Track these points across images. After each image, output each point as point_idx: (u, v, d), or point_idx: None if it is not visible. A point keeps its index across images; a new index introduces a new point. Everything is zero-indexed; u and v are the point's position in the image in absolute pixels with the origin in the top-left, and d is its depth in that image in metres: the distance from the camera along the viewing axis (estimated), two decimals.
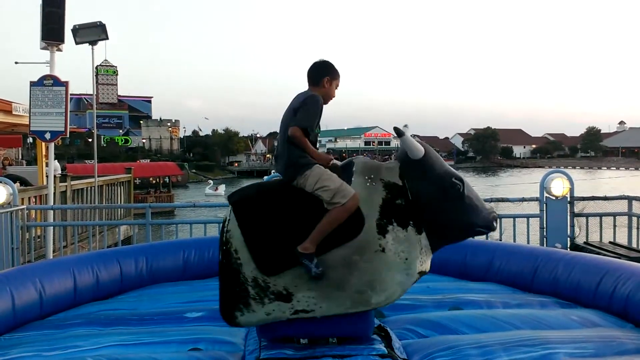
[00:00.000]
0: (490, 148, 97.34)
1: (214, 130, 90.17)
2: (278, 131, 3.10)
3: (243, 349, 2.94)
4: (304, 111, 2.89)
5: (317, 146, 3.01)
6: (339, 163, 3.08)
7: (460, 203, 2.91)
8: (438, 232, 2.94)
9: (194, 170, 65.60)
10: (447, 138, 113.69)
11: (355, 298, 2.79)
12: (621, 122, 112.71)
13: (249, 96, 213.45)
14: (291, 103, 3.03)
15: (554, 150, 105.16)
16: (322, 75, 3.06)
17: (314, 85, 3.08)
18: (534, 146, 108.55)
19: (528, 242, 6.04)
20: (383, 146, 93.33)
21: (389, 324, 3.26)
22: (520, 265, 4.40)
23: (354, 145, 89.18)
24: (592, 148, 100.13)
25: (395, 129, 2.85)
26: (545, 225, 6.07)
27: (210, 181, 47.06)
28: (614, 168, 78.24)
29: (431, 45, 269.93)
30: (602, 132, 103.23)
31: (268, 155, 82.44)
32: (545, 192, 6.09)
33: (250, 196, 2.97)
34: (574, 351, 2.82)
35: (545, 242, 6.04)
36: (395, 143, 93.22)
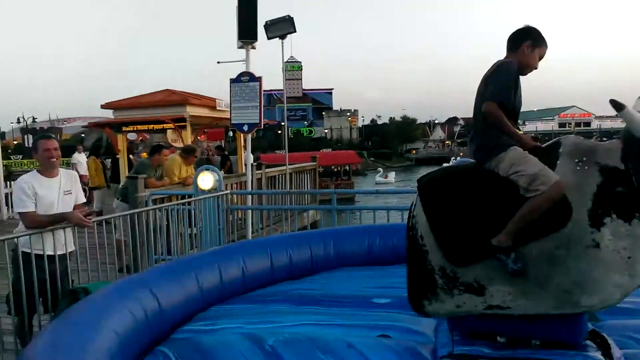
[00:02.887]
0: None
1: (391, 118, 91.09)
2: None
3: (434, 340, 2.86)
4: (495, 82, 2.59)
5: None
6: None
7: None
8: None
9: (372, 158, 67.13)
10: None
11: (560, 297, 2.46)
12: None
13: (426, 82, 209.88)
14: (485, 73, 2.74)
15: None
16: (522, 40, 2.72)
17: (511, 52, 2.75)
18: None
19: None
20: (582, 128, 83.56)
21: (605, 330, 2.81)
22: None
23: (545, 128, 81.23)
24: None
25: (613, 102, 2.41)
26: None
27: (380, 169, 47.63)
28: None
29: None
30: None
31: (447, 142, 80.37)
32: None
33: (438, 180, 2.77)
34: None
35: None
36: (596, 124, 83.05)
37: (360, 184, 41.06)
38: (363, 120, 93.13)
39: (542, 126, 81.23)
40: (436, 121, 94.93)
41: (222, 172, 8.01)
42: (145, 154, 9.64)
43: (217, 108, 10.86)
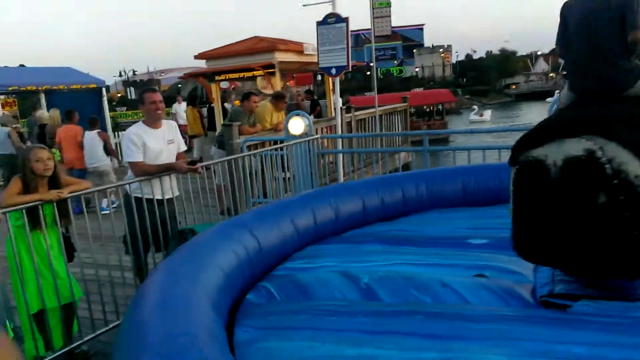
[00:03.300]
0: None
1: (488, 51, 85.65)
2: (570, 34, 2.65)
3: (533, 280, 2.77)
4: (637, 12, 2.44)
5: None
6: None
7: None
8: None
9: (467, 96, 64.12)
10: None
11: None
12: None
13: (527, 8, 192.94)
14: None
15: None
16: None
17: None
18: None
19: None
20: None
21: None
22: None
23: None
24: None
25: None
26: None
27: (475, 107, 45.28)
28: None
29: None
30: None
31: (551, 74, 74.51)
32: None
33: (607, 116, 2.43)
34: None
35: None
36: None
37: (454, 124, 39.64)
38: (457, 56, 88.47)
39: None
40: (539, 52, 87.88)
41: (312, 116, 8.08)
42: (237, 101, 9.94)
43: (305, 52, 10.83)
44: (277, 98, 7.87)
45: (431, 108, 35.61)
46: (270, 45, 10.67)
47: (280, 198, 5.91)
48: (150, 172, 3.97)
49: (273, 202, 4.52)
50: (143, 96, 4.06)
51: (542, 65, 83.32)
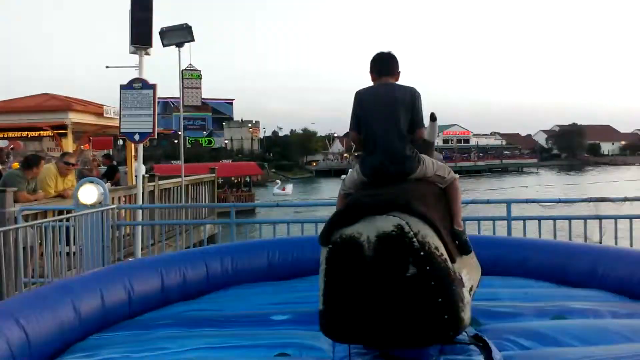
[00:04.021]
0: (577, 145, 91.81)
1: (292, 130, 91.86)
2: (364, 122, 2.94)
3: (332, 355, 2.78)
4: (419, 111, 2.96)
5: None
6: None
7: None
8: None
9: (273, 170, 67.12)
10: (529, 135, 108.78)
11: (475, 260, 2.96)
12: None
13: (327, 96, 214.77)
14: (390, 95, 2.92)
15: None
16: (398, 67, 3.06)
17: (389, 76, 3.01)
18: (623, 142, 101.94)
19: (631, 246, 5.46)
20: (462, 144, 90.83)
21: (486, 334, 2.97)
22: (628, 271, 3.95)
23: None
24: None
25: (432, 114, 3.09)
26: None
27: (278, 181, 47.74)
28: None
29: (511, 39, 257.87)
30: None
31: (345, 155, 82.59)
32: None
33: (405, 196, 2.63)
34: None
35: None
36: (474, 141, 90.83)
37: (260, 195, 40.81)
38: (264, 131, 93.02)
39: None
40: (335, 134, 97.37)
41: (110, 183, 7.45)
42: (16, 164, 8.72)
43: (105, 115, 10.16)
44: (62, 157, 7.07)
45: (239, 179, 36.25)
46: (63, 104, 9.78)
47: (61, 277, 5.14)
48: None
49: (51, 283, 3.89)
50: None
51: (338, 146, 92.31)
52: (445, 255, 2.48)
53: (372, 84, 3.08)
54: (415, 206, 2.51)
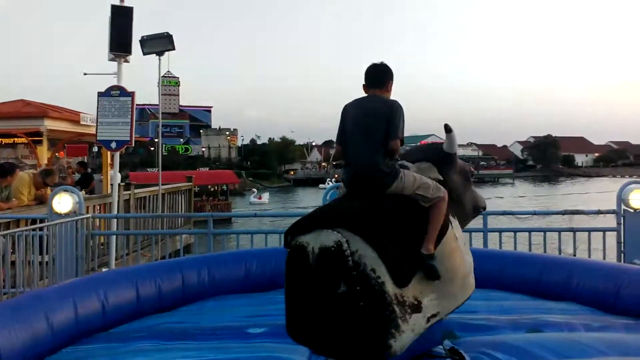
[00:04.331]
0: (551, 156, 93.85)
1: (270, 138, 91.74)
2: (346, 133, 2.93)
3: None
4: (399, 122, 2.83)
5: None
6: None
7: (471, 189, 3.33)
8: (461, 214, 3.23)
9: (250, 178, 66.81)
10: (505, 146, 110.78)
11: (463, 285, 2.90)
12: None
13: (305, 105, 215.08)
14: (369, 106, 2.90)
15: (618, 159, 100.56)
16: (389, 79, 2.99)
17: (378, 88, 2.95)
18: (596, 154, 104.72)
19: (604, 258, 5.58)
20: None
21: (462, 346, 3.01)
22: (602, 284, 4.04)
23: None
24: None
25: (446, 125, 2.98)
26: (622, 240, 5.59)
27: (254, 190, 47.57)
28: None
29: (488, 51, 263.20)
30: None
31: (323, 164, 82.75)
32: (622, 205, 5.61)
33: (361, 213, 2.69)
34: None
35: (622, 258, 5.56)
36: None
37: (238, 204, 40.54)
38: (242, 139, 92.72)
39: None
40: (313, 143, 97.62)
41: (84, 192, 7.32)
42: None
43: (81, 122, 10.00)
44: (44, 175, 6.91)
45: (216, 188, 35.94)
46: (39, 110, 9.61)
47: (33, 287, 5.01)
48: None
49: (23, 294, 3.79)
50: None
51: (316, 155, 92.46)
52: (384, 279, 2.47)
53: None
54: (362, 224, 2.56)
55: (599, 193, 45.65)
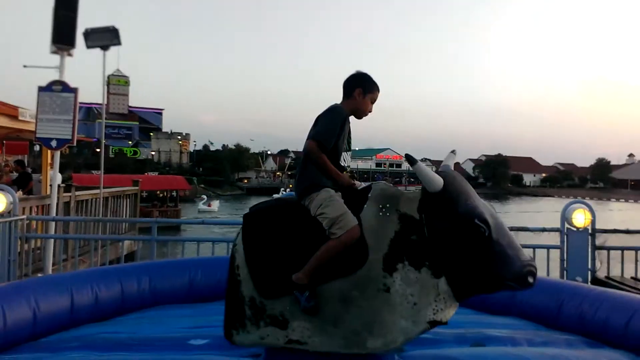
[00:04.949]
0: (501, 175, 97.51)
1: (224, 145, 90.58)
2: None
3: None
4: (322, 123, 2.74)
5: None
6: (362, 184, 2.85)
7: (485, 249, 2.43)
8: (462, 279, 2.50)
9: (202, 185, 65.65)
10: (458, 163, 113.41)
11: (349, 338, 2.55)
12: (630, 155, 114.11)
13: (261, 113, 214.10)
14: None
15: (564, 180, 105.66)
16: (354, 86, 2.88)
17: (346, 97, 2.90)
18: (544, 175, 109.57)
19: (547, 275, 5.76)
20: (394, 168, 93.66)
21: None
22: (544, 300, 4.14)
23: (365, 167, 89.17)
24: (602, 179, 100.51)
25: (407, 156, 2.60)
26: (565, 257, 5.79)
27: (204, 197, 46.81)
28: (623, 200, 78.00)
29: (443, 67, 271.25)
30: (611, 163, 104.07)
31: (278, 173, 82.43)
32: (566, 223, 5.83)
33: (262, 212, 2.84)
34: None
35: (565, 275, 5.75)
36: (406, 166, 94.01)
37: (187, 211, 39.66)
38: (195, 145, 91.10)
39: (362, 164, 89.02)
40: (269, 152, 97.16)
41: (21, 192, 6.92)
42: None
43: (20, 118, 9.46)
44: None
45: (165, 194, 35.01)
46: None
47: None
48: None
49: None
50: None
51: (271, 164, 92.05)
52: (242, 279, 2.74)
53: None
54: (249, 223, 2.80)
55: (545, 212, 47.47)
